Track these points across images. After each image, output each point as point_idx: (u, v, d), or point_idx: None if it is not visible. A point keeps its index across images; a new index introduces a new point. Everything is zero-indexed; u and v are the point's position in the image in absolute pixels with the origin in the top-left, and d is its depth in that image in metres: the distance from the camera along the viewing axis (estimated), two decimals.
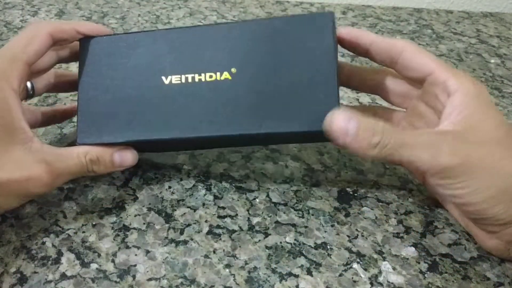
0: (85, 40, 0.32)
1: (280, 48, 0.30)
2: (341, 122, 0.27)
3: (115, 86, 0.31)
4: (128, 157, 0.31)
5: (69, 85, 0.35)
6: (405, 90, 0.32)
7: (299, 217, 0.32)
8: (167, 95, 0.30)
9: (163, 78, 0.31)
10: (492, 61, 0.56)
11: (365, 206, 0.33)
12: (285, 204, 0.33)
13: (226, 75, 0.30)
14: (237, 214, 0.32)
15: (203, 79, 0.30)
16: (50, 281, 0.27)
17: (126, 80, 0.31)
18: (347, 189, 0.34)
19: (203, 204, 0.32)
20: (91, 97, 0.31)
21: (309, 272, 0.28)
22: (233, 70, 0.30)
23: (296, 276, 0.28)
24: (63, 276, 0.27)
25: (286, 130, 0.29)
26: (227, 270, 0.28)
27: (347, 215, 0.32)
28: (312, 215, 0.32)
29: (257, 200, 0.33)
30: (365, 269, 0.28)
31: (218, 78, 0.30)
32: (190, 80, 0.30)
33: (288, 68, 0.29)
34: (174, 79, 0.30)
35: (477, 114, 0.27)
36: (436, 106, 0.30)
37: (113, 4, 0.64)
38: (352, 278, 0.28)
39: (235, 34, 0.30)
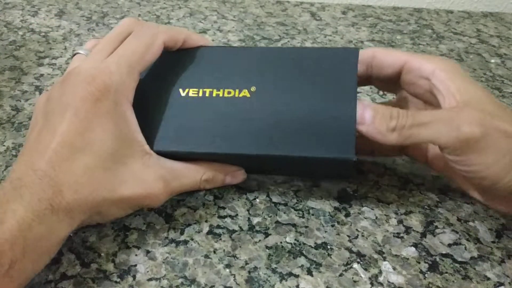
0: None
1: (302, 75, 0.30)
2: (358, 111, 0.27)
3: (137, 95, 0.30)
4: (239, 177, 0.33)
5: None
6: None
7: (300, 217, 0.32)
8: (181, 106, 0.30)
9: (180, 90, 0.31)
10: (493, 61, 0.56)
11: (365, 206, 0.33)
12: (286, 204, 0.33)
13: (245, 92, 0.30)
14: (237, 214, 0.32)
15: (220, 95, 0.30)
16: (51, 281, 0.27)
17: (145, 90, 0.30)
18: (347, 189, 0.34)
19: (203, 204, 0.32)
20: None
21: (309, 272, 0.28)
22: (253, 89, 0.30)
23: (297, 276, 0.28)
24: (64, 276, 0.27)
25: (298, 154, 0.28)
26: (227, 270, 0.28)
27: (347, 215, 0.32)
28: (313, 215, 0.32)
29: (257, 200, 0.33)
30: (366, 269, 0.28)
31: (237, 95, 0.30)
32: (207, 94, 0.30)
33: (308, 95, 0.29)
34: (191, 92, 0.30)
35: (467, 85, 0.28)
36: (417, 93, 0.31)
37: (113, 4, 0.64)
38: (353, 278, 0.28)
39: (259, 57, 0.31)
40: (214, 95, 0.30)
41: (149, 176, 0.28)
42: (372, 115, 0.27)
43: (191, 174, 0.30)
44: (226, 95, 0.30)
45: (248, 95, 0.30)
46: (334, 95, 0.29)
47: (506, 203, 0.29)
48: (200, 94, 0.30)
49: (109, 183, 0.26)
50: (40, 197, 0.23)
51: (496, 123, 0.26)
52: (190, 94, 0.30)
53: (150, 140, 0.29)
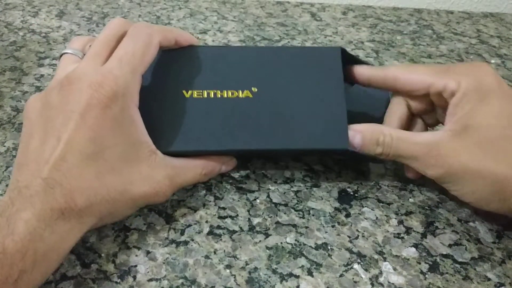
0: None
1: (296, 74, 0.32)
2: (350, 135, 0.31)
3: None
4: (232, 165, 0.34)
5: None
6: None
7: (300, 217, 0.32)
8: (185, 107, 0.31)
9: (184, 91, 0.31)
10: (493, 61, 0.56)
11: (365, 206, 0.33)
12: (286, 205, 0.33)
13: (247, 93, 0.31)
14: (237, 215, 0.32)
15: (224, 96, 0.31)
16: (51, 282, 0.27)
17: (147, 91, 0.30)
18: (348, 189, 0.34)
19: (204, 205, 0.32)
20: None
21: (310, 273, 0.28)
22: (254, 89, 0.31)
23: (297, 276, 0.28)
24: (64, 277, 0.27)
25: (299, 147, 0.31)
26: (228, 270, 0.28)
27: (347, 215, 0.32)
28: (313, 215, 0.32)
29: (258, 200, 0.33)
30: (366, 270, 0.28)
31: (240, 95, 0.31)
32: (212, 95, 0.31)
33: (302, 93, 0.32)
34: (196, 93, 0.31)
35: (472, 112, 0.28)
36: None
37: (114, 5, 0.64)
38: (353, 278, 0.28)
39: (256, 57, 0.33)
40: (218, 96, 0.31)
41: (157, 174, 0.28)
42: (360, 143, 0.30)
43: (193, 169, 0.31)
44: (229, 96, 0.31)
45: (251, 96, 0.31)
46: (325, 93, 0.32)
47: (503, 218, 0.31)
48: (205, 96, 0.31)
49: (120, 185, 0.26)
50: (52, 206, 0.23)
51: (466, 163, 0.28)
52: (195, 96, 0.31)
53: (156, 141, 0.29)
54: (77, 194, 0.24)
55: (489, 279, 0.28)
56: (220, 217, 0.31)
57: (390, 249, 0.30)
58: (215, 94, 0.31)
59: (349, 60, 0.34)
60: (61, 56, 0.31)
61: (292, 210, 0.32)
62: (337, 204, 0.33)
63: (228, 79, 0.32)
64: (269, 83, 0.32)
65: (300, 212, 0.32)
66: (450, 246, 0.30)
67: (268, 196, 0.33)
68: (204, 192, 0.33)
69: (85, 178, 0.25)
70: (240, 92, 0.31)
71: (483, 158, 0.27)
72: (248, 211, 0.32)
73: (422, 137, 0.30)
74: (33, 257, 0.22)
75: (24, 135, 0.27)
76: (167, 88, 0.31)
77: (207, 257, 0.29)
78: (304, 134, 0.31)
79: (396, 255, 0.29)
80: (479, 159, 0.28)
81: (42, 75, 0.46)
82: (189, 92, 0.31)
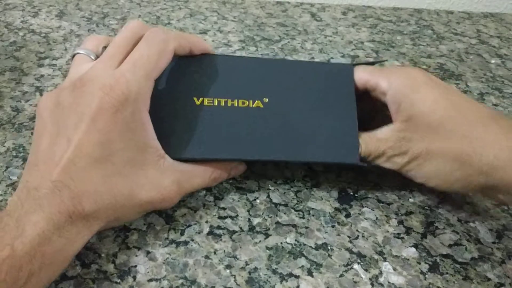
0: None
1: (308, 87, 0.33)
2: None
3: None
4: (241, 170, 0.34)
5: None
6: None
7: (300, 217, 0.32)
8: (195, 115, 0.31)
9: (195, 98, 0.31)
10: (493, 61, 0.56)
11: (365, 206, 0.33)
12: (286, 205, 0.33)
13: (258, 103, 0.31)
14: (237, 215, 0.32)
15: (235, 104, 0.31)
16: (51, 282, 0.27)
17: (157, 97, 0.30)
18: (348, 189, 0.34)
19: (204, 205, 0.32)
20: None
21: (310, 273, 0.28)
22: (265, 100, 0.32)
23: (297, 276, 0.28)
24: (64, 277, 0.27)
25: (309, 159, 0.31)
26: (228, 270, 0.28)
27: (347, 215, 0.32)
28: (313, 215, 0.32)
29: (258, 200, 0.33)
30: (366, 270, 0.28)
31: (251, 105, 0.31)
32: (222, 104, 0.31)
33: (314, 104, 0.32)
34: (206, 101, 0.31)
35: (410, 103, 0.30)
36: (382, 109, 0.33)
37: (114, 5, 0.64)
38: (353, 278, 0.28)
39: (268, 69, 0.33)
40: (229, 104, 0.31)
41: (165, 180, 0.28)
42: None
43: (201, 175, 0.31)
44: (240, 105, 0.31)
45: (262, 106, 0.31)
46: (336, 107, 0.32)
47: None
48: (216, 104, 0.31)
49: (127, 190, 0.26)
50: (60, 209, 0.23)
51: (420, 149, 0.29)
52: (205, 103, 0.31)
53: (166, 147, 0.29)
54: (84, 198, 0.24)
55: (489, 279, 0.28)
56: (220, 217, 0.31)
57: (390, 249, 0.30)
58: (226, 102, 0.31)
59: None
60: (73, 56, 0.31)
61: (292, 210, 0.32)
62: (337, 204, 0.33)
63: (240, 89, 0.32)
64: (280, 95, 0.32)
65: (300, 212, 0.32)
66: (450, 246, 0.30)
67: (268, 196, 0.33)
68: (204, 192, 0.33)
69: (92, 182, 0.25)
70: (251, 102, 0.31)
71: (437, 138, 0.29)
72: (248, 211, 0.32)
73: (383, 133, 0.31)
74: (41, 260, 0.22)
75: (36, 133, 0.27)
76: (179, 94, 0.31)
77: (207, 257, 0.29)
78: (314, 146, 0.31)
79: (396, 255, 0.29)
80: (434, 140, 0.29)
81: (42, 75, 0.46)
82: (200, 99, 0.31)
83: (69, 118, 0.25)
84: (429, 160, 0.30)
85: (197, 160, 0.30)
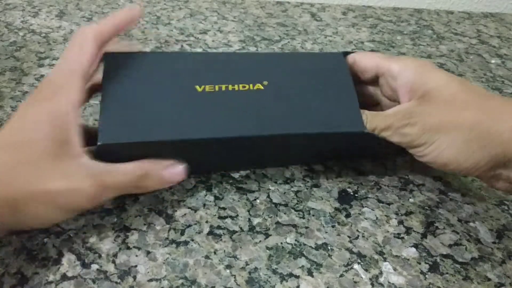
0: (109, 54, 0.32)
1: (305, 69, 0.34)
2: None
3: (142, 94, 0.31)
4: (178, 173, 0.31)
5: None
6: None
7: (300, 217, 0.32)
8: (198, 100, 0.31)
9: (197, 87, 0.32)
10: (493, 61, 0.56)
11: (365, 206, 0.33)
12: (286, 205, 0.33)
13: (258, 86, 0.32)
14: (237, 215, 0.32)
15: (236, 89, 0.32)
16: (51, 282, 0.27)
17: (154, 89, 0.31)
18: (348, 189, 0.34)
19: (204, 205, 0.32)
20: (114, 103, 0.30)
21: (310, 273, 0.28)
22: (265, 82, 0.32)
23: (297, 276, 0.28)
24: (64, 277, 0.27)
25: (314, 131, 0.31)
26: (228, 271, 0.28)
27: (347, 215, 0.32)
28: (313, 215, 0.32)
29: (258, 200, 0.33)
30: (366, 270, 0.28)
31: (251, 88, 0.32)
32: (223, 89, 0.32)
33: (313, 83, 0.33)
34: (208, 88, 0.32)
35: (422, 84, 0.30)
36: (388, 93, 0.34)
37: (114, 5, 0.64)
38: (353, 278, 0.28)
39: (265, 59, 0.34)
40: (230, 89, 0.32)
41: (78, 173, 0.27)
42: None
43: (126, 170, 0.29)
44: (241, 89, 0.32)
45: (262, 88, 0.32)
46: (334, 83, 0.33)
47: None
48: (217, 89, 0.32)
49: (32, 177, 0.26)
50: None
51: (437, 120, 0.29)
52: (207, 90, 0.32)
53: (170, 131, 0.29)
54: None
55: (489, 279, 0.28)
56: (220, 217, 0.31)
57: (390, 249, 0.30)
58: (227, 87, 0.32)
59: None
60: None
61: (292, 210, 0.32)
62: (337, 204, 0.33)
63: (240, 76, 0.33)
64: (280, 78, 0.33)
65: (300, 212, 0.32)
66: (450, 246, 0.30)
67: (268, 196, 0.33)
68: (204, 192, 0.33)
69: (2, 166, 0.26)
70: (252, 85, 0.32)
71: (453, 110, 0.29)
72: (248, 211, 0.32)
73: (392, 110, 0.31)
74: None
75: None
76: (180, 84, 0.32)
77: (207, 257, 0.29)
78: (318, 119, 0.31)
79: (396, 255, 0.29)
80: (450, 112, 0.29)
81: (42, 75, 0.46)
82: (202, 87, 0.32)
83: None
84: (444, 132, 0.29)
85: (201, 141, 0.30)
